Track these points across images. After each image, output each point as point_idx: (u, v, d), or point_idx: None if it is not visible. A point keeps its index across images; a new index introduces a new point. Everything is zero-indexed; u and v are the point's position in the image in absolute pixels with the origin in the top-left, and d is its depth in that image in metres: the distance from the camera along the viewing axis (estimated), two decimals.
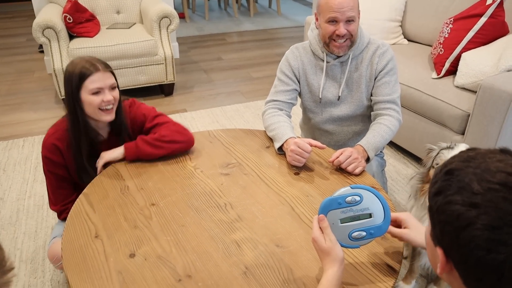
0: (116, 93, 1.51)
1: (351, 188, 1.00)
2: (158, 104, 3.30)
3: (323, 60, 1.74)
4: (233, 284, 1.09)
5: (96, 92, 1.46)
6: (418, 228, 1.04)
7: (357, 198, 0.99)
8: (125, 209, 1.36)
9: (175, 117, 3.04)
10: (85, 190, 1.45)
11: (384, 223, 1.02)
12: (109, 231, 1.27)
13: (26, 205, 2.18)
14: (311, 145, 1.53)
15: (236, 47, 4.68)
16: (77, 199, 1.41)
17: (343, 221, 1.00)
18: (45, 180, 1.60)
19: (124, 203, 1.38)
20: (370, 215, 1.01)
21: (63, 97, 3.10)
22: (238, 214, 1.33)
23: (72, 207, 1.37)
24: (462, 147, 1.41)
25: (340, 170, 1.52)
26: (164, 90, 3.41)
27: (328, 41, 1.67)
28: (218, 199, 1.40)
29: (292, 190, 1.44)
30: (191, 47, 4.67)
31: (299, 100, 1.89)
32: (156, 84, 3.32)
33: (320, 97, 1.78)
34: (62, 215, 1.62)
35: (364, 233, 1.01)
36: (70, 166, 1.57)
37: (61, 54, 3.05)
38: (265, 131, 1.78)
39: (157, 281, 1.10)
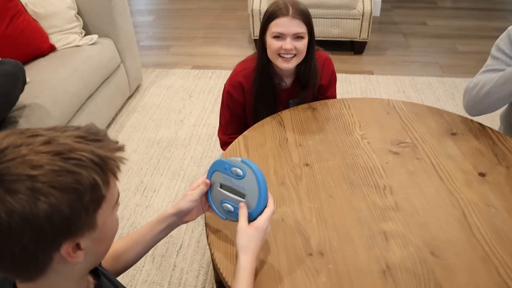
0: (300, 44, 1.41)
1: (241, 160, 0.92)
2: (345, 61, 3.14)
3: None
4: (367, 280, 0.94)
5: (278, 37, 1.40)
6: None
7: (240, 173, 0.91)
8: (277, 162, 1.30)
9: (359, 78, 2.85)
10: (245, 132, 1.44)
11: (252, 212, 0.91)
12: None
13: (199, 132, 2.34)
14: None
15: (447, 13, 4.13)
16: (236, 140, 1.40)
17: (222, 186, 0.95)
18: (219, 111, 1.64)
19: (279, 156, 1.32)
20: (243, 196, 0.92)
21: (256, 37, 3.18)
22: (396, 202, 1.15)
23: (230, 146, 1.37)
24: None
25: None
26: (355, 47, 3.22)
27: None
28: (378, 179, 1.23)
29: (470, 193, 1.18)
30: (395, 6, 4.29)
31: None
32: (348, 39, 3.14)
33: None
34: (225, 146, 1.66)
35: (232, 208, 0.94)
36: (248, 107, 1.57)
37: None
38: (455, 114, 1.50)
39: (286, 248, 1.02)
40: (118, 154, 0.63)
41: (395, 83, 2.80)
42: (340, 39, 3.14)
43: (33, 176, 0.54)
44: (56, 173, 0.55)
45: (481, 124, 1.47)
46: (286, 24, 1.39)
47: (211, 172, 0.97)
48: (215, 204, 0.99)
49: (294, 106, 1.62)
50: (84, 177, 0.57)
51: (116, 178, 0.63)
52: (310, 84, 1.56)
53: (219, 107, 2.52)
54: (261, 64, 1.50)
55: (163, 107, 2.58)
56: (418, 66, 3.07)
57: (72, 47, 2.27)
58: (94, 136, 0.62)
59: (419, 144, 1.37)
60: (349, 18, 3.03)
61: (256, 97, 1.54)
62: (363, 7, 2.99)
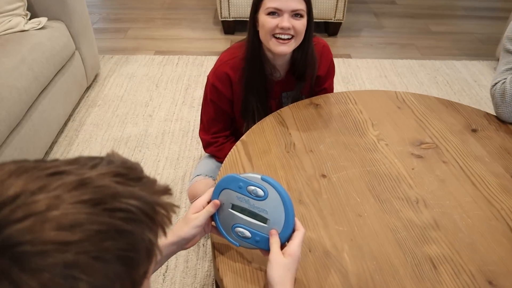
0: (299, 23, 1.20)
1: (261, 178, 0.77)
2: None
3: None
4: None
5: (273, 13, 1.18)
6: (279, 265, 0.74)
7: (261, 193, 0.77)
8: (289, 173, 1.09)
9: (338, 62, 2.67)
10: (243, 137, 1.22)
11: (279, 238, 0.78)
12: None
13: (172, 128, 2.07)
14: None
15: None
16: (234, 147, 1.18)
17: (234, 207, 0.80)
18: (201, 108, 1.41)
19: (289, 165, 1.12)
20: (265, 220, 0.78)
21: (224, 18, 2.92)
22: (434, 218, 0.98)
23: (228, 156, 1.15)
24: None
25: None
26: (329, 28, 3.03)
27: None
28: (407, 190, 1.06)
29: (509, 201, 1.04)
30: None
31: None
32: (322, 20, 2.95)
33: None
34: (209, 148, 1.44)
35: (249, 234, 0.79)
36: (236, 102, 1.35)
37: None
38: (468, 106, 1.36)
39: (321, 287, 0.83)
40: (167, 199, 0.44)
41: (375, 67, 2.65)
42: (314, 20, 2.93)
43: (68, 243, 0.34)
44: (101, 235, 0.36)
45: (497, 118, 1.34)
46: None
47: (219, 190, 0.82)
48: (225, 229, 0.83)
49: (288, 99, 1.42)
50: (138, 238, 0.38)
51: (165, 234, 0.44)
52: (307, 75, 1.36)
53: (191, 98, 2.30)
54: (251, 49, 1.27)
55: (127, 100, 2.28)
56: (396, 48, 2.94)
57: (16, 32, 1.93)
58: (135, 173, 0.43)
59: (441, 144, 1.21)
60: None
61: (245, 90, 1.32)
62: None
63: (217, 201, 0.81)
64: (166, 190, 0.44)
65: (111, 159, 0.42)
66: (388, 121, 1.30)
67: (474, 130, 1.28)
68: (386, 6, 3.65)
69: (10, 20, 1.93)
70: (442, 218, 0.99)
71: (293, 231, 0.78)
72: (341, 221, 0.97)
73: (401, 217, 0.98)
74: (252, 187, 0.77)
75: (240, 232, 0.80)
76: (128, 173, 0.41)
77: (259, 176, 0.78)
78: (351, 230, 0.95)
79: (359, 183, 1.07)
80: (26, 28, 1.94)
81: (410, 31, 3.21)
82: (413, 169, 1.12)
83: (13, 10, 1.95)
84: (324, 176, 1.09)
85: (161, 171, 1.82)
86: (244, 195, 0.78)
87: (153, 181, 0.44)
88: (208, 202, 0.83)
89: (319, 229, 0.95)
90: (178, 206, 0.45)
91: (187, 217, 0.81)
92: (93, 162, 0.41)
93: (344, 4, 2.85)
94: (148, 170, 1.83)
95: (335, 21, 2.94)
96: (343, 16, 2.91)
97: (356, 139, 1.22)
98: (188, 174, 1.79)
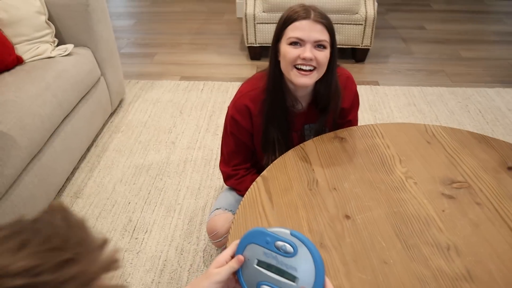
0: (322, 54, 1.15)
1: (290, 233, 0.71)
2: None
3: None
4: None
5: (295, 43, 1.14)
6: None
7: (290, 250, 0.71)
8: (310, 213, 1.04)
9: (366, 90, 2.62)
10: (264, 173, 1.17)
11: None
12: None
13: (195, 157, 2.05)
14: None
15: (443, 17, 3.95)
16: (254, 183, 1.13)
17: (260, 264, 0.74)
18: (221, 140, 1.37)
19: (311, 204, 1.06)
20: (293, 279, 0.71)
21: (250, 44, 2.92)
22: (467, 268, 0.91)
23: (247, 193, 1.10)
24: None
25: None
26: (356, 55, 2.98)
27: None
28: (437, 234, 0.98)
29: None
30: (390, 9, 4.09)
31: None
32: (349, 47, 2.91)
33: None
34: (230, 181, 1.39)
35: None
36: (256, 134, 1.31)
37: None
38: (503, 141, 1.28)
39: None
40: (113, 272, 0.35)
41: (404, 94, 2.57)
42: (341, 46, 2.90)
43: None
44: None
45: None
46: (307, 28, 1.13)
47: (244, 245, 0.76)
48: (250, 286, 0.76)
49: (310, 132, 1.37)
50: None
51: None
52: (331, 108, 1.31)
53: (215, 125, 2.28)
54: (272, 81, 1.24)
55: (151, 126, 2.28)
56: (425, 75, 2.86)
57: (43, 59, 1.96)
58: (58, 255, 0.31)
59: (474, 183, 1.14)
60: (351, 24, 2.79)
61: (266, 121, 1.28)
62: (366, 12, 2.75)
63: (241, 257, 0.75)
64: (110, 265, 0.35)
65: (28, 238, 0.32)
66: (417, 157, 1.23)
67: (510, 168, 1.19)
68: (414, 32, 3.58)
69: (38, 47, 1.97)
70: (476, 268, 0.91)
71: None
72: (365, 269, 0.90)
73: (430, 266, 0.91)
74: (281, 243, 0.72)
75: None
76: (46, 261, 0.31)
77: (288, 231, 0.72)
78: (375, 279, 0.88)
79: (385, 226, 1.00)
80: (53, 55, 1.97)
81: (440, 57, 3.13)
82: (443, 211, 1.05)
83: (41, 37, 1.98)
84: (347, 217, 1.03)
85: (182, 201, 1.79)
86: (272, 251, 0.73)
87: (93, 253, 0.34)
88: (232, 257, 0.77)
89: (341, 277, 0.89)
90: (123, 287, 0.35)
91: (209, 272, 0.76)
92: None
93: (372, 30, 2.80)
94: (169, 199, 1.80)
95: (362, 47, 2.90)
96: (370, 42, 2.87)
97: (383, 176, 1.16)
98: (209, 205, 1.75)
